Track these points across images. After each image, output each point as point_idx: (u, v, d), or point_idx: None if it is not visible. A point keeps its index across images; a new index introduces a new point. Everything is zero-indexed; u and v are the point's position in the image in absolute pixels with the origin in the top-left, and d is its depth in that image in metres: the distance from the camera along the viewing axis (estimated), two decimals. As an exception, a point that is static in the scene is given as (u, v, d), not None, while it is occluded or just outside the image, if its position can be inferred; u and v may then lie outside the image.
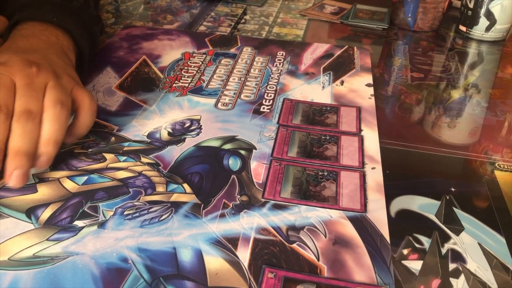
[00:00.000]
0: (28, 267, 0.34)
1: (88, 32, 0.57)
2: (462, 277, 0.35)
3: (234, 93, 0.56)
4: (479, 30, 0.76)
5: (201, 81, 0.59)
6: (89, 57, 0.57)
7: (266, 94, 0.57)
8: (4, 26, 0.51)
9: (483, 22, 0.75)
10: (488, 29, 0.75)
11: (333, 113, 0.53)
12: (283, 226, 0.38)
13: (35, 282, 0.32)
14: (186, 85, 0.58)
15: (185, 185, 0.42)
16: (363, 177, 0.44)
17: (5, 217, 0.38)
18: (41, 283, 0.32)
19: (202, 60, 0.64)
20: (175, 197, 0.40)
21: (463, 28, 0.78)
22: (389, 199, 0.42)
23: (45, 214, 0.38)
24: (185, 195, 0.41)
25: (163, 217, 0.38)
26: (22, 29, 0.50)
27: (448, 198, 0.42)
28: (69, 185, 0.41)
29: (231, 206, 0.40)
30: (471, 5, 0.75)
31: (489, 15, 0.74)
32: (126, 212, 0.39)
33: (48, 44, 0.49)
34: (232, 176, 0.43)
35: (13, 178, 0.39)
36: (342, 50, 0.69)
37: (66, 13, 0.54)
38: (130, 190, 0.41)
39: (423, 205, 0.42)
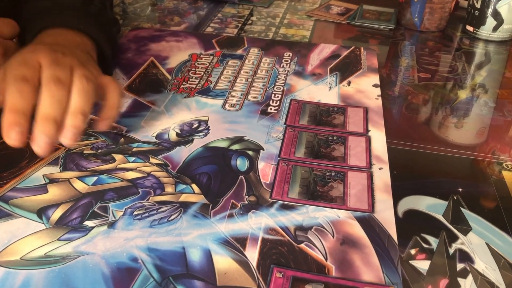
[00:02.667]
0: (39, 267, 0.34)
1: (107, 36, 0.57)
2: (470, 277, 0.35)
3: (241, 94, 0.57)
4: (486, 30, 0.75)
5: (208, 82, 0.59)
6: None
7: (273, 95, 0.57)
8: (15, 30, 0.52)
9: (490, 22, 0.74)
10: (495, 29, 0.75)
11: (340, 114, 0.53)
12: (291, 226, 0.38)
13: (47, 281, 0.33)
14: (194, 86, 0.58)
15: (194, 186, 0.42)
16: (370, 177, 0.44)
17: (16, 217, 0.38)
18: (53, 282, 0.33)
19: (209, 61, 0.65)
20: (183, 198, 0.41)
21: (470, 28, 0.78)
22: (396, 199, 0.42)
23: (56, 214, 0.38)
24: (194, 195, 0.41)
25: (172, 217, 0.39)
26: (48, 31, 0.51)
27: (455, 198, 0.43)
28: (79, 185, 0.41)
29: (239, 206, 0.40)
30: (478, 5, 0.75)
31: (496, 15, 0.74)
32: (135, 212, 0.39)
33: (74, 43, 0.51)
34: (240, 176, 0.43)
35: (39, 144, 0.39)
36: (348, 50, 0.69)
37: (87, 18, 0.55)
38: (139, 190, 0.41)
39: (430, 205, 0.42)
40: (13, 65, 0.41)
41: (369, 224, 0.39)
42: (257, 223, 0.38)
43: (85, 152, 0.46)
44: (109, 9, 0.62)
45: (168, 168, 0.44)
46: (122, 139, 0.48)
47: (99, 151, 0.46)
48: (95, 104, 0.44)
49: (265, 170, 0.44)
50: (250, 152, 0.47)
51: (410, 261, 0.36)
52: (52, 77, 0.40)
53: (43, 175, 0.42)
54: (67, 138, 0.40)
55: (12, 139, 0.38)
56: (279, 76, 0.61)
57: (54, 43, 0.49)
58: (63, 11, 0.53)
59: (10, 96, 0.39)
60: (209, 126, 0.50)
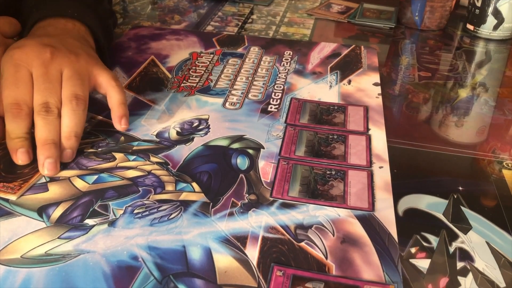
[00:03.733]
0: (40, 265, 0.34)
1: (102, 25, 0.57)
2: (470, 275, 0.35)
3: (241, 93, 0.57)
4: (487, 28, 0.75)
5: (209, 80, 0.59)
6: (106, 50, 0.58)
7: (273, 93, 0.57)
8: (17, 29, 0.52)
9: (491, 20, 0.74)
10: (495, 27, 0.75)
11: (340, 112, 0.53)
12: (291, 224, 0.38)
13: (47, 279, 0.33)
14: (194, 84, 0.58)
15: (194, 184, 0.42)
16: (370, 176, 0.44)
17: (17, 215, 0.38)
18: (53, 281, 0.33)
19: (209, 60, 0.65)
20: (184, 196, 0.41)
21: (470, 27, 0.78)
22: (397, 198, 0.42)
23: (56, 212, 0.38)
24: (194, 194, 0.41)
25: (173, 215, 0.39)
26: (41, 23, 0.52)
27: (456, 197, 0.43)
28: (80, 184, 0.41)
29: (239, 204, 0.40)
30: (478, 4, 0.75)
31: (497, 13, 0.74)
32: (136, 211, 0.39)
33: (65, 31, 0.51)
34: (240, 175, 0.43)
35: (46, 166, 0.41)
36: (349, 49, 0.69)
37: (83, 7, 0.55)
38: (139, 189, 0.41)
39: (431, 204, 0.42)
40: (6, 76, 0.44)
41: (370, 222, 0.39)
42: (257, 222, 0.38)
43: (85, 150, 0.46)
44: (105, 1, 0.62)
45: (169, 166, 0.44)
46: (122, 138, 0.48)
47: (100, 149, 0.46)
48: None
49: (266, 168, 0.44)
50: (250, 151, 0.47)
51: (411, 260, 0.36)
52: (43, 104, 0.43)
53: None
54: (64, 159, 0.44)
55: (21, 160, 0.43)
56: (279, 75, 0.61)
57: (44, 34, 0.49)
58: (58, 2, 0.54)
59: (9, 124, 0.42)
60: (209, 125, 0.50)
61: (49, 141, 0.42)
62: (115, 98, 0.48)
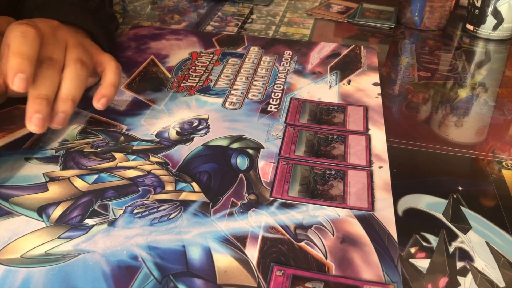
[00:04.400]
0: (40, 265, 0.34)
1: (105, 31, 0.57)
2: (470, 275, 0.35)
3: (241, 93, 0.57)
4: (486, 28, 0.75)
5: (208, 80, 0.59)
6: None
7: (273, 93, 0.57)
8: None
9: (491, 20, 0.74)
10: (495, 27, 0.75)
11: (340, 112, 0.53)
12: (291, 224, 0.38)
13: (47, 279, 0.33)
14: (194, 84, 0.58)
15: (194, 184, 0.42)
16: (370, 176, 0.44)
17: (17, 215, 0.38)
18: (53, 280, 0.33)
19: (209, 59, 0.65)
20: (184, 196, 0.41)
21: (470, 27, 0.78)
22: (396, 198, 0.42)
23: (56, 212, 0.38)
24: (194, 193, 0.41)
25: (172, 215, 0.39)
26: None
27: (455, 197, 0.43)
28: (79, 183, 0.41)
29: (239, 204, 0.40)
30: (478, 4, 0.75)
31: (497, 13, 0.74)
32: (135, 211, 0.39)
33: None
34: (240, 175, 0.43)
35: (33, 121, 0.39)
36: (349, 49, 0.69)
37: (85, 13, 0.55)
38: (139, 188, 0.41)
39: (430, 203, 0.42)
40: (13, 26, 0.41)
41: (369, 222, 0.39)
42: (257, 222, 0.38)
43: (85, 150, 0.46)
44: (108, 5, 0.62)
45: (168, 166, 0.44)
46: (122, 138, 0.48)
47: (99, 149, 0.46)
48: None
49: (265, 168, 0.44)
50: (250, 151, 0.47)
51: (410, 260, 0.36)
52: (46, 56, 0.41)
53: (43, 173, 0.42)
54: (55, 123, 0.42)
55: (16, 85, 0.38)
56: (279, 75, 0.61)
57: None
58: (60, 6, 0.53)
59: (15, 39, 0.39)
60: (209, 125, 0.50)
61: (42, 95, 0.40)
62: (110, 77, 0.47)
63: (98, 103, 0.46)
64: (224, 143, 0.48)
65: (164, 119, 0.51)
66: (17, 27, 0.40)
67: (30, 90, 0.40)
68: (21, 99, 0.42)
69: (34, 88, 0.40)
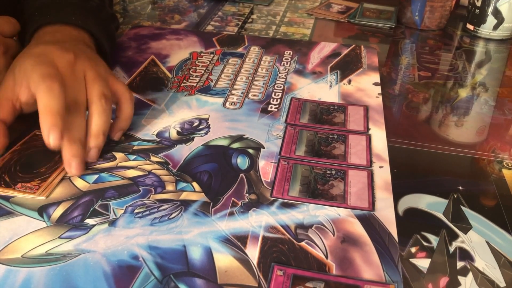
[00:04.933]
0: (40, 265, 0.34)
1: (106, 31, 0.58)
2: (470, 275, 0.35)
3: (242, 93, 0.57)
4: (487, 28, 0.75)
5: (209, 80, 0.59)
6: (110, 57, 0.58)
7: (273, 93, 0.57)
8: (16, 28, 0.52)
9: (491, 20, 0.74)
10: (495, 27, 0.75)
11: (340, 112, 0.53)
12: (292, 224, 0.38)
13: (48, 279, 0.33)
14: (194, 84, 0.58)
15: (194, 184, 0.42)
16: (371, 175, 0.44)
17: (18, 215, 0.38)
18: (54, 280, 0.33)
19: (210, 59, 0.65)
20: (184, 196, 0.41)
21: (470, 27, 0.78)
22: (397, 198, 0.42)
23: (57, 212, 0.39)
24: (194, 193, 0.41)
25: (173, 215, 0.39)
26: (46, 29, 0.52)
27: (456, 196, 0.43)
28: (80, 183, 0.41)
29: (240, 204, 0.40)
30: (478, 4, 0.75)
31: (497, 13, 0.74)
32: (136, 211, 0.39)
33: (72, 37, 0.51)
34: (241, 174, 0.43)
35: (73, 165, 0.41)
36: (349, 49, 0.69)
37: (86, 13, 0.55)
38: (140, 188, 0.41)
39: (431, 203, 0.42)
40: (32, 65, 0.43)
41: (370, 222, 0.39)
42: (257, 221, 0.38)
43: (85, 150, 0.46)
44: (108, 5, 0.62)
45: (169, 166, 0.44)
46: (122, 137, 0.48)
47: (100, 149, 0.46)
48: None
49: (266, 168, 0.44)
50: (250, 151, 0.47)
51: (411, 259, 0.36)
52: (71, 100, 0.43)
53: (44, 173, 0.43)
54: (90, 158, 0.44)
55: (53, 141, 0.40)
56: (279, 75, 0.61)
57: (53, 40, 0.49)
58: (61, 8, 0.53)
59: (42, 95, 0.40)
60: (209, 125, 0.50)
61: (76, 140, 0.42)
62: (127, 110, 0.47)
63: (115, 137, 0.47)
64: (224, 143, 0.48)
65: (165, 119, 0.51)
66: (42, 83, 0.41)
67: (63, 134, 0.41)
68: (36, 123, 0.42)
69: (66, 132, 0.41)
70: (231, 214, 0.39)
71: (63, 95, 0.41)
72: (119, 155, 0.45)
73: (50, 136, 0.39)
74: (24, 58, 0.44)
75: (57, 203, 0.39)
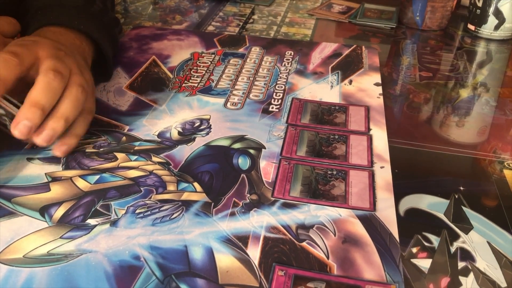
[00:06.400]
0: (42, 265, 0.34)
1: (109, 36, 0.57)
2: (471, 275, 0.35)
3: (243, 93, 0.57)
4: (488, 28, 0.75)
5: (210, 81, 0.59)
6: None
7: (274, 93, 0.57)
8: (16, 28, 0.52)
9: (492, 20, 0.74)
10: (497, 27, 0.75)
11: (341, 112, 0.53)
12: (293, 224, 0.38)
13: (50, 279, 0.33)
14: (196, 85, 0.58)
15: (196, 184, 0.42)
16: (372, 176, 0.44)
17: (19, 215, 0.38)
18: (56, 280, 0.33)
19: (211, 60, 0.65)
20: (185, 196, 0.41)
21: (471, 27, 0.78)
22: (398, 198, 0.42)
23: (58, 212, 0.39)
24: (196, 193, 0.41)
25: (174, 215, 0.39)
26: (48, 29, 0.51)
27: (457, 197, 0.43)
28: (82, 184, 0.42)
29: (241, 204, 0.40)
30: (479, 4, 0.75)
31: (498, 13, 0.74)
32: (137, 211, 0.39)
33: (73, 45, 0.51)
34: (242, 175, 0.44)
35: (19, 127, 0.39)
36: (350, 49, 0.69)
37: (89, 18, 0.55)
38: (141, 189, 0.41)
39: (432, 203, 0.42)
40: (13, 45, 0.41)
41: (371, 222, 0.39)
42: (259, 222, 0.38)
43: (87, 150, 0.46)
44: (110, 9, 0.62)
45: (170, 166, 0.44)
46: (124, 138, 0.48)
47: (101, 149, 0.46)
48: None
49: (267, 168, 0.44)
50: (251, 151, 0.47)
51: (412, 260, 0.36)
52: (53, 67, 0.40)
53: (45, 174, 0.43)
54: (42, 139, 0.41)
55: (19, 130, 0.39)
56: (280, 75, 0.61)
57: (56, 40, 0.49)
58: (64, 10, 0.53)
59: (40, 85, 0.39)
60: (210, 125, 0.50)
61: (39, 105, 0.39)
62: (80, 124, 0.45)
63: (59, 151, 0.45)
64: (225, 143, 0.48)
65: (166, 119, 0.51)
66: (47, 73, 0.40)
67: (30, 94, 0.39)
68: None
69: (34, 94, 0.39)
70: (232, 214, 0.39)
71: (59, 94, 0.40)
72: (120, 156, 0.45)
73: (18, 125, 0.38)
74: (13, 42, 0.43)
75: (59, 203, 0.39)
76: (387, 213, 0.40)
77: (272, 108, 0.54)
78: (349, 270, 0.35)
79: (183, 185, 0.42)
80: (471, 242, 0.38)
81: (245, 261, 0.35)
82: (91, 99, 0.47)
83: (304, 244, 0.37)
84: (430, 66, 0.67)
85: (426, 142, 0.51)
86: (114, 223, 0.38)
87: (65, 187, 0.41)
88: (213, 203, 0.40)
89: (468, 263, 0.36)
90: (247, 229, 0.38)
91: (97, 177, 0.42)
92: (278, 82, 0.59)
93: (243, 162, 0.45)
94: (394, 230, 0.38)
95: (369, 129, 0.51)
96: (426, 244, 0.38)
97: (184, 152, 0.46)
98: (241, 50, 0.68)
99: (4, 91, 0.39)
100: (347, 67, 0.64)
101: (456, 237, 0.38)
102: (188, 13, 0.84)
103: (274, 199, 0.41)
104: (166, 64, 0.63)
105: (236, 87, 0.58)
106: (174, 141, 0.48)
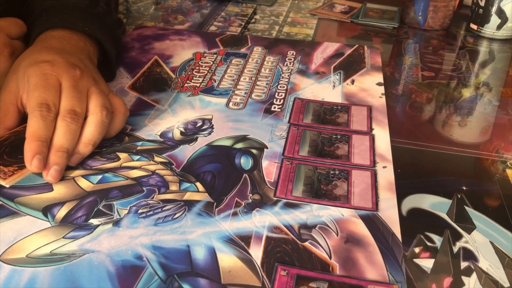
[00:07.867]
0: (45, 264, 0.34)
1: (112, 37, 0.57)
2: (474, 275, 0.35)
3: (245, 93, 0.57)
4: (490, 28, 0.75)
5: (212, 81, 0.59)
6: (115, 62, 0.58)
7: (277, 93, 0.57)
8: (22, 30, 0.52)
9: (495, 20, 0.74)
10: (499, 27, 0.75)
11: (344, 112, 0.53)
12: (295, 224, 0.38)
13: (53, 278, 0.33)
14: (198, 85, 0.58)
15: (198, 184, 0.42)
16: (374, 175, 0.44)
17: (22, 215, 0.38)
18: (58, 280, 0.33)
19: (213, 60, 0.65)
20: (188, 196, 0.41)
21: (474, 27, 0.77)
22: (400, 198, 0.42)
23: (61, 212, 0.39)
24: (198, 193, 0.41)
25: (177, 215, 0.39)
26: (52, 33, 0.51)
27: (459, 196, 0.43)
28: (84, 184, 0.42)
29: (243, 204, 0.40)
30: (482, 3, 0.75)
31: (501, 13, 0.73)
32: (140, 211, 0.39)
33: (78, 49, 0.51)
34: (244, 175, 0.44)
35: (51, 173, 0.41)
36: (352, 49, 0.69)
37: (93, 19, 0.55)
38: (144, 188, 0.41)
39: (434, 203, 0.42)
40: (35, 82, 0.43)
41: (373, 222, 0.39)
42: (261, 222, 0.38)
43: (89, 150, 0.46)
44: (114, 10, 0.62)
45: (173, 166, 0.44)
46: (126, 138, 0.48)
47: (104, 149, 0.46)
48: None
49: (269, 168, 0.44)
50: (254, 151, 0.47)
51: (414, 260, 0.36)
52: (70, 110, 0.43)
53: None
54: (71, 162, 0.43)
55: (34, 166, 0.40)
56: (282, 75, 0.61)
57: (62, 49, 0.49)
58: (68, 12, 0.53)
59: (33, 122, 0.41)
60: (213, 125, 0.50)
61: (63, 149, 0.42)
62: (117, 121, 0.47)
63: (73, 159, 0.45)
64: (228, 143, 0.48)
65: (168, 119, 0.51)
66: (38, 109, 0.41)
67: (54, 141, 0.41)
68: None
69: (57, 139, 0.41)
70: (234, 214, 0.39)
71: (53, 124, 0.42)
72: (122, 155, 0.45)
73: (32, 162, 0.40)
74: (29, 64, 0.44)
75: (61, 203, 0.40)
76: (389, 213, 0.40)
77: (274, 108, 0.54)
78: (351, 270, 0.35)
79: (186, 185, 0.42)
80: (473, 242, 0.38)
81: (248, 261, 0.35)
82: (116, 98, 0.48)
83: (306, 244, 0.37)
84: (432, 66, 0.67)
85: (429, 142, 0.51)
86: (116, 223, 0.38)
87: (67, 187, 0.41)
88: (215, 203, 0.40)
89: (470, 263, 0.36)
90: (250, 229, 0.38)
91: (99, 177, 0.42)
92: (280, 82, 0.59)
93: (245, 162, 0.45)
94: (396, 230, 0.38)
95: (371, 129, 0.51)
96: (428, 244, 0.38)
97: (186, 152, 0.46)
98: (243, 50, 0.68)
99: (47, 148, 0.42)
100: (349, 67, 0.64)
101: (458, 237, 0.38)
102: (190, 13, 0.84)
103: (276, 199, 0.41)
104: (168, 64, 0.63)
105: (238, 87, 0.58)
106: (176, 141, 0.48)
